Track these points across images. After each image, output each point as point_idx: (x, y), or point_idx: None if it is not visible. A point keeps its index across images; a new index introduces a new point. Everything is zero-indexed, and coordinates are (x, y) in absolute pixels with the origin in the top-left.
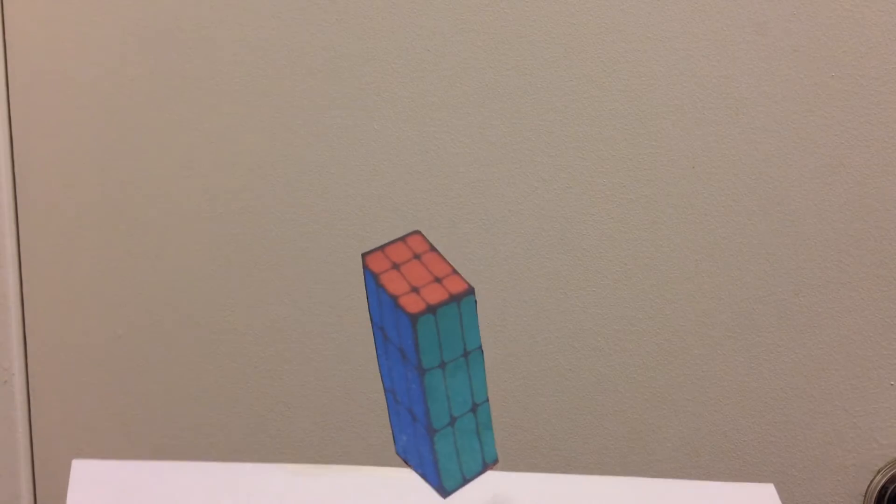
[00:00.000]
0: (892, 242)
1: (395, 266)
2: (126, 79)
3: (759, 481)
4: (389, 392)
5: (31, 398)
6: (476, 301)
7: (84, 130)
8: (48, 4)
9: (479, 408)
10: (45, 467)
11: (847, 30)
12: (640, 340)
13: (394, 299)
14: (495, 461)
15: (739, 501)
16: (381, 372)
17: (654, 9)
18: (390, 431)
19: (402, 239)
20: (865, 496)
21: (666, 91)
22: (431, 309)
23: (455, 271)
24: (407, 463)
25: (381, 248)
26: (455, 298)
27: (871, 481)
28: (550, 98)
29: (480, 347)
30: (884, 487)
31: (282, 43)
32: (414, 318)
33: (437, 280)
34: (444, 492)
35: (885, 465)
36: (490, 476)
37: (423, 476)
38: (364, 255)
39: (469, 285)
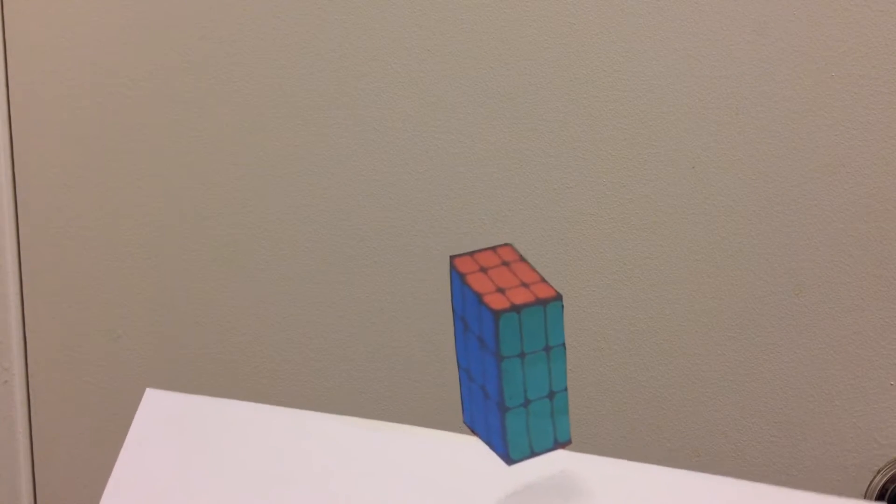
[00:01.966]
0: (892, 242)
1: (483, 270)
2: (126, 79)
3: (759, 481)
4: (464, 370)
5: (31, 398)
6: (563, 306)
7: (84, 131)
8: (48, 4)
9: (556, 395)
10: (45, 467)
11: (847, 30)
12: (640, 340)
13: (478, 297)
14: (568, 441)
15: None
16: (457, 351)
17: (654, 9)
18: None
19: (493, 248)
20: (865, 496)
21: (666, 91)
22: (516, 308)
23: (544, 279)
24: (473, 431)
25: (471, 253)
26: (541, 302)
27: (871, 481)
28: (550, 98)
29: (563, 344)
30: (884, 487)
31: (281, 43)
32: (497, 314)
33: (525, 285)
34: (510, 460)
35: (885, 465)
36: (561, 454)
37: (489, 444)
38: (452, 258)
39: (557, 292)
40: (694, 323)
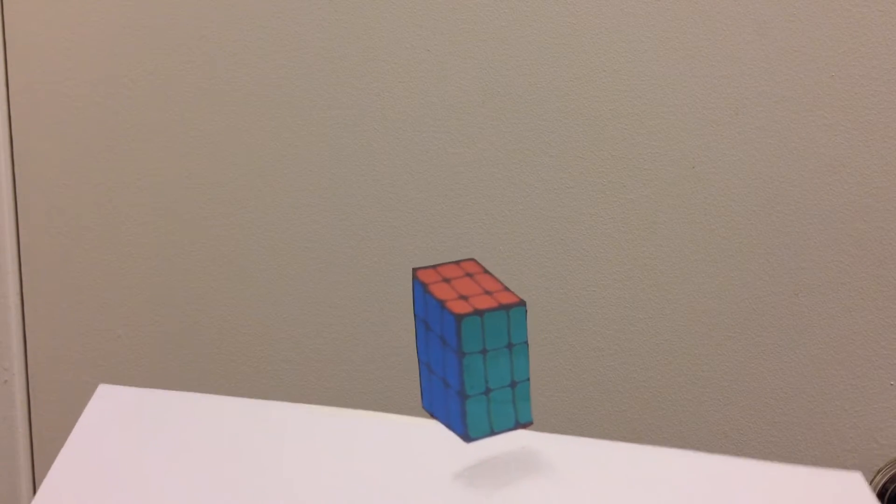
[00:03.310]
0: (892, 242)
1: (446, 280)
2: (126, 79)
3: None
4: (424, 364)
5: (31, 398)
6: (526, 311)
7: (84, 131)
8: (48, 4)
9: (518, 384)
10: (45, 467)
11: (847, 30)
12: (640, 340)
13: (441, 303)
14: (529, 423)
15: (826, 488)
16: (417, 346)
17: (655, 9)
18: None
19: (457, 262)
20: None
21: (666, 91)
22: (478, 312)
23: (507, 289)
24: (433, 416)
25: (434, 266)
26: (504, 307)
27: (871, 481)
28: (550, 98)
29: (526, 342)
30: (884, 487)
31: (281, 43)
32: (459, 318)
33: (488, 293)
34: (469, 438)
35: (885, 465)
36: (521, 434)
37: (449, 426)
38: (415, 270)
39: (520, 299)
40: (694, 323)
